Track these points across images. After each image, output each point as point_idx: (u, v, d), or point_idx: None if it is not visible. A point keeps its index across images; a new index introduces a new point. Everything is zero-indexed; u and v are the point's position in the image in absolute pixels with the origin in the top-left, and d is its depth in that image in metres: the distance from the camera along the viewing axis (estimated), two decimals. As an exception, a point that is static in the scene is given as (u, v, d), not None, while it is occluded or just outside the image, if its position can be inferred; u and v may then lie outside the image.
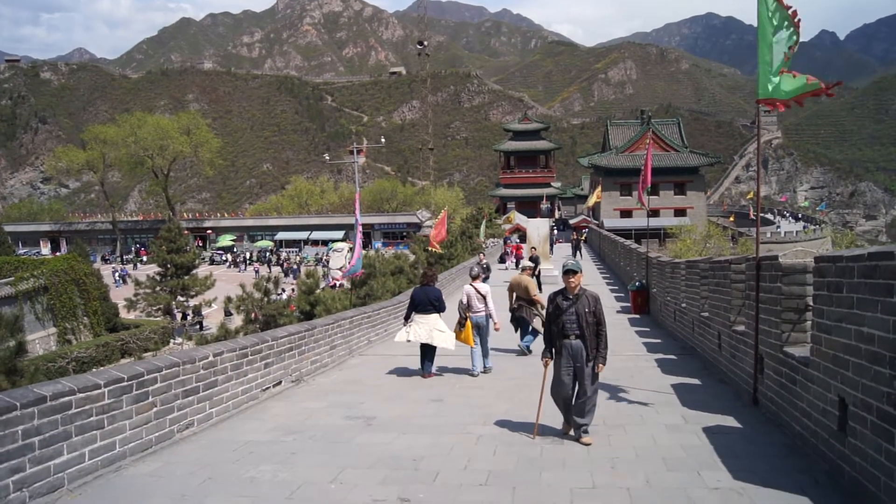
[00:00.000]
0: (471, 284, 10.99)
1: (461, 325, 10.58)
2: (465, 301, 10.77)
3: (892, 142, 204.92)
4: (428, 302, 10.56)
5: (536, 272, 21.27)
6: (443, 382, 10.18)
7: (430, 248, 28.38)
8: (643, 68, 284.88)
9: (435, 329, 10.47)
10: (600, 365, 6.61)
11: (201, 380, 7.47)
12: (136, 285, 33.19)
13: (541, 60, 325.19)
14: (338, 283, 35.01)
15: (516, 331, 12.95)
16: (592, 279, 28.73)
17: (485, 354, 10.86)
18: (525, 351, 12.39)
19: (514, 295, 12.64)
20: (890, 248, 4.37)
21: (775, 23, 6.80)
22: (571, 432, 6.86)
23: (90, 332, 27.97)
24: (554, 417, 7.15)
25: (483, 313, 10.83)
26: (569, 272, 6.70)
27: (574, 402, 6.73)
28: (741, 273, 8.61)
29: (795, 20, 6.74)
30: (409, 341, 10.62)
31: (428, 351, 10.62)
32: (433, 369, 10.68)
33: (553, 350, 6.84)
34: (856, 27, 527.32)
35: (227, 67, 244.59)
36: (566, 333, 6.62)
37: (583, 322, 6.55)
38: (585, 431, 6.68)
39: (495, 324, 11.06)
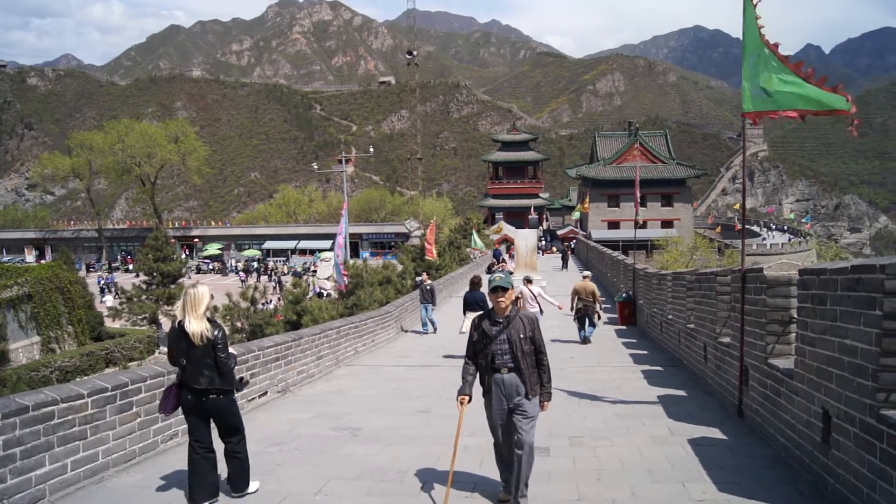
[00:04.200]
0: (526, 287, 13.66)
1: None
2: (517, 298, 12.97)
3: (876, 155, 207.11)
4: (475, 302, 13.55)
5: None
6: (430, 393, 10.16)
7: (427, 258, 28.50)
8: (631, 80, 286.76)
9: None
10: (545, 403, 5.35)
11: (186, 390, 7.41)
12: (121, 294, 32.97)
13: (530, 71, 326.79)
14: (325, 293, 34.94)
15: (579, 325, 15.81)
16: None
17: None
18: (589, 339, 15.53)
19: (578, 297, 15.71)
20: (872, 261, 4.41)
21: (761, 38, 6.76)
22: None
23: (74, 340, 27.73)
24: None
25: (536, 309, 13.60)
26: (497, 289, 5.29)
27: (511, 452, 5.37)
28: (727, 285, 8.65)
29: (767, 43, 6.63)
30: (462, 332, 13.40)
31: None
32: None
33: (482, 386, 5.48)
34: (840, 41, 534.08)
35: (216, 75, 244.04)
36: (496, 366, 5.26)
37: (517, 351, 5.20)
38: (524, 495, 5.33)
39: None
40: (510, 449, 5.31)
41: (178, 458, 6.72)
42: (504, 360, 5.24)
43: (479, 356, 5.37)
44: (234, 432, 5.59)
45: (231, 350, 5.57)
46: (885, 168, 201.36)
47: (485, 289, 16.69)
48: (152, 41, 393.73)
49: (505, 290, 5.28)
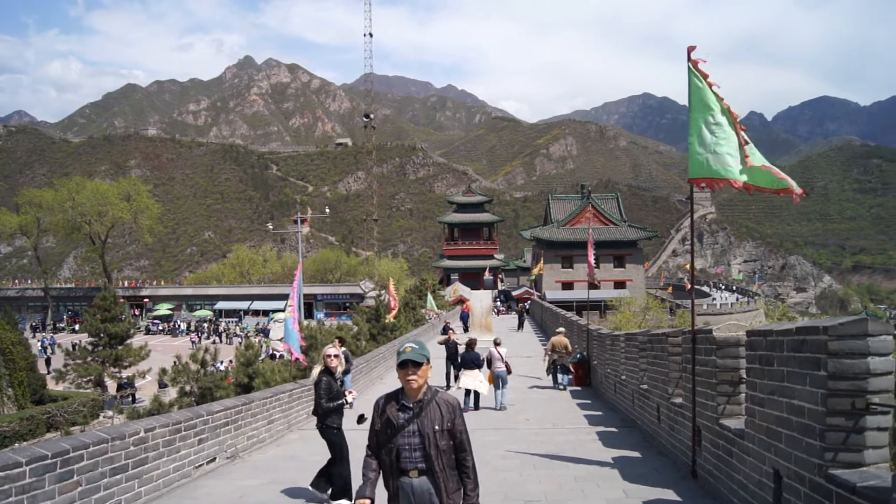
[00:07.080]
0: (495, 348, 15.43)
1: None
2: (488, 357, 15.25)
3: (819, 218, 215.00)
4: (471, 361, 15.08)
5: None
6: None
7: (384, 319, 28.30)
8: (583, 144, 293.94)
9: (477, 380, 14.93)
10: None
11: (131, 457, 7.18)
12: (65, 355, 31.90)
13: (485, 135, 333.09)
14: (279, 355, 34.29)
15: (553, 377, 18.00)
16: (535, 351, 28.78)
17: (503, 397, 15.00)
18: (565, 386, 17.78)
19: (553, 349, 17.85)
20: (816, 322, 4.53)
21: (708, 106, 6.94)
22: None
23: (14, 404, 26.65)
24: None
25: (503, 368, 15.11)
26: (406, 364, 3.93)
27: None
28: (678, 346, 8.75)
29: (731, 112, 6.87)
30: (459, 387, 15.29)
31: (471, 393, 15.10)
32: (471, 405, 14.90)
33: (387, 491, 4.05)
34: (782, 109, 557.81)
35: (172, 134, 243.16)
36: (403, 467, 3.91)
37: (430, 448, 3.87)
38: None
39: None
40: None
41: (120, 529, 6.45)
42: (413, 459, 3.89)
43: (383, 451, 3.98)
44: (333, 458, 7.59)
45: (350, 396, 7.86)
46: (826, 230, 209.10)
47: (436, 350, 16.67)
48: (108, 99, 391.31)
49: (418, 364, 3.93)
